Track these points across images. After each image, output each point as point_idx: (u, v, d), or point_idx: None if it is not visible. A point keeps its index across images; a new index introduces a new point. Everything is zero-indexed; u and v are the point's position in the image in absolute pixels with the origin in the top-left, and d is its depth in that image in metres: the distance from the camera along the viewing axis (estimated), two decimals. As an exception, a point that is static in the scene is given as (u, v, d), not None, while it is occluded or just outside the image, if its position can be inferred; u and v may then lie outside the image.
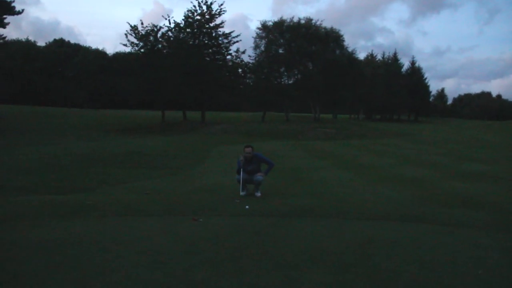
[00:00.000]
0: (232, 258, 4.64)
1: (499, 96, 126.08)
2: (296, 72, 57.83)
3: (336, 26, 58.64)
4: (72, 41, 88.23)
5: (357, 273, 4.20)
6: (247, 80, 54.42)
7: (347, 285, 3.86)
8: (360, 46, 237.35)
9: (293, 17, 56.21)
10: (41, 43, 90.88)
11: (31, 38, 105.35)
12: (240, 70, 50.01)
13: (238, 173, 8.79)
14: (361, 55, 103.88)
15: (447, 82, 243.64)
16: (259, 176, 8.75)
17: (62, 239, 5.21)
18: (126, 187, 10.41)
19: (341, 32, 58.75)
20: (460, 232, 5.83)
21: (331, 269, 4.26)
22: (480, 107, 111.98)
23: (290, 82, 58.15)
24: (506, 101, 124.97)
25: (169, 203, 7.79)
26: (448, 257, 4.70)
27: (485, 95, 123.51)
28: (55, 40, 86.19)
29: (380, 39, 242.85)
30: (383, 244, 5.07)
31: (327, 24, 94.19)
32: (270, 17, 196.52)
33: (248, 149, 8.77)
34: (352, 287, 3.87)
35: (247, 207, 7.33)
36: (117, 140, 27.21)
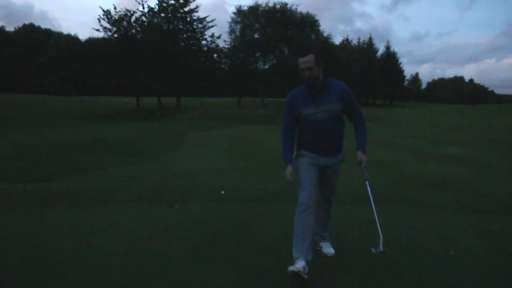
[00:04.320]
0: (209, 244, 4.60)
1: (471, 81, 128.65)
2: (271, 57, 57.68)
3: (316, 11, 59.01)
4: (46, 26, 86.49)
5: (333, 256, 4.21)
6: (223, 66, 54.12)
7: (324, 268, 3.87)
8: (339, 31, 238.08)
9: (268, 2, 55.92)
10: (10, 28, 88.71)
11: (1, 23, 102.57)
12: (215, 55, 49.67)
13: (286, 135, 4.05)
14: (337, 40, 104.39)
15: (423, 67, 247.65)
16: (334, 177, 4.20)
17: (35, 228, 5.09)
18: (100, 174, 10.24)
19: (317, 17, 58.86)
20: (434, 213, 5.90)
21: (307, 252, 4.26)
22: (453, 91, 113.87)
23: (266, 67, 58.01)
24: (478, 85, 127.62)
25: (144, 190, 7.69)
26: (421, 238, 4.75)
27: (458, 80, 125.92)
28: (25, 25, 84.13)
29: (359, 24, 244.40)
30: (358, 227, 5.10)
31: (307, 8, 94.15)
32: (250, 2, 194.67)
33: (305, 59, 3.72)
34: (328, 270, 3.88)
35: (222, 192, 7.28)
36: (91, 127, 26.79)
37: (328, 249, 4.33)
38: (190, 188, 7.91)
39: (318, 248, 4.33)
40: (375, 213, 3.77)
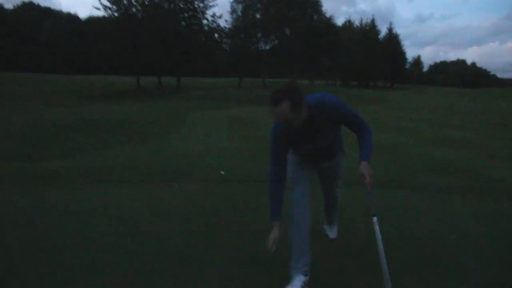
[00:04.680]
0: (208, 225, 4.56)
1: (473, 64, 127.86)
2: (273, 38, 57.29)
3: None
4: (46, 4, 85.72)
5: (330, 240, 4.17)
6: (224, 46, 53.82)
7: (324, 250, 3.83)
8: (342, 12, 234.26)
9: (271, -19, 55.36)
10: (8, 5, 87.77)
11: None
12: (216, 35, 49.34)
13: (276, 182, 3.22)
14: (340, 21, 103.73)
15: (426, 49, 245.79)
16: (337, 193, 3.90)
17: (33, 208, 5.05)
18: (99, 154, 10.19)
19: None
20: (435, 197, 5.85)
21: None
22: (455, 74, 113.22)
23: (267, 47, 57.68)
24: (480, 69, 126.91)
25: (143, 170, 7.65)
26: (421, 222, 4.71)
27: (460, 63, 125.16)
28: (24, 3, 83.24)
29: (362, 5, 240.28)
30: (359, 210, 5.05)
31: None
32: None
33: (279, 109, 2.80)
34: (328, 252, 3.84)
35: (222, 172, 7.24)
36: (91, 106, 26.67)
37: (331, 232, 4.17)
38: (190, 168, 7.87)
39: (328, 232, 4.16)
40: (384, 260, 2.93)
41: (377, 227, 2.90)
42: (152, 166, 8.18)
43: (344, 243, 4.09)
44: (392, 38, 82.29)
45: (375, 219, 2.92)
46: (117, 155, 9.79)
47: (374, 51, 73.86)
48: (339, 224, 4.25)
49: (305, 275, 3.17)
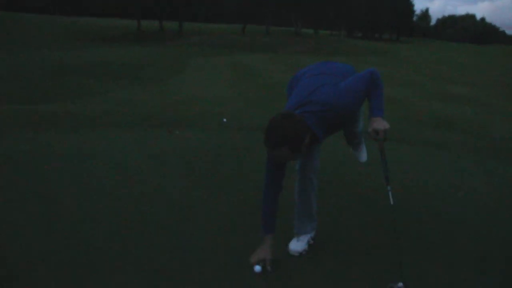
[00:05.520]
0: (208, 173, 4.47)
1: (483, 19, 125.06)
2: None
3: None
4: None
5: (331, 191, 4.07)
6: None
7: (321, 201, 3.73)
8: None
9: None
10: None
11: None
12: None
13: (271, 187, 2.67)
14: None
15: (434, 2, 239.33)
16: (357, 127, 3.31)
17: (30, 151, 4.93)
18: (100, 98, 10.01)
19: None
20: (441, 154, 5.73)
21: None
22: (463, 29, 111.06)
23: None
24: (489, 25, 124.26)
25: (144, 115, 7.50)
26: (428, 178, 4.61)
27: (469, 18, 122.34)
28: None
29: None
30: (361, 163, 4.95)
31: None
32: None
33: (279, 154, 2.31)
34: (324, 205, 3.73)
35: (224, 120, 7.10)
36: (91, 49, 26.21)
37: (361, 156, 3.69)
38: (191, 114, 7.73)
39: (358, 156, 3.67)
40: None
41: (390, 196, 2.52)
42: (153, 111, 8.03)
43: (350, 203, 4.00)
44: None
45: (389, 188, 2.54)
46: (117, 100, 9.61)
47: (381, 1, 72.14)
48: (344, 180, 4.14)
49: (313, 229, 3.07)
